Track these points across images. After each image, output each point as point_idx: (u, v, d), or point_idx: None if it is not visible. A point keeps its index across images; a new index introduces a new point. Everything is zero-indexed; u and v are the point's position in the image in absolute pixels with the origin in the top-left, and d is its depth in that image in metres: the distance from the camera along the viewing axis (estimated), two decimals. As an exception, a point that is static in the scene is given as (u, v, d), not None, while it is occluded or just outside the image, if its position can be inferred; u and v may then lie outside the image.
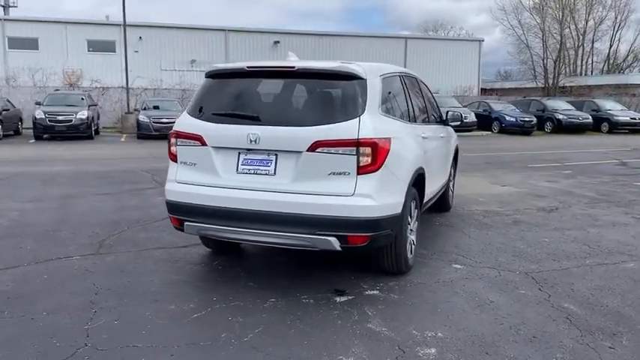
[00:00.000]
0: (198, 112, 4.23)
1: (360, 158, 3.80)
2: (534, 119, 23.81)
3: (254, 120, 3.99)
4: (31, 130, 18.53)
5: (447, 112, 6.57)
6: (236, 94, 4.21)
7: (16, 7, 52.37)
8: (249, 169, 4.00)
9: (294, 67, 4.07)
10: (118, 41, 36.83)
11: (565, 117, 24.65)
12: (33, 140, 18.27)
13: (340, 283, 4.41)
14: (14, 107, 20.87)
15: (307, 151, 3.82)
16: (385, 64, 4.98)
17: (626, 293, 4.27)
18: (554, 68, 42.54)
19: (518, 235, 6.00)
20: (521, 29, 44.83)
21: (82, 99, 20.03)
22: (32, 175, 10.12)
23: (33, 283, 4.34)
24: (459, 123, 6.63)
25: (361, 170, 3.82)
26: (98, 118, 21.13)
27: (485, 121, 24.26)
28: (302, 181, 3.87)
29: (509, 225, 6.50)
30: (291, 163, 3.89)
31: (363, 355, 3.21)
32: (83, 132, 18.37)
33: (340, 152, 3.80)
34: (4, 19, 35.39)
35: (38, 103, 19.38)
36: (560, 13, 42.72)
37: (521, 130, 23.40)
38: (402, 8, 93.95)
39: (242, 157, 4.02)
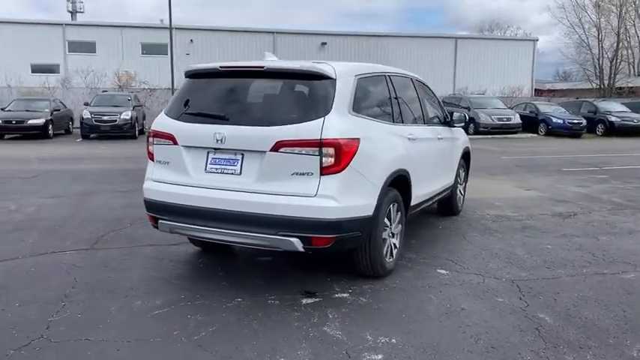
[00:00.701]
0: (174, 112, 4.30)
1: (323, 159, 3.75)
2: (584, 121, 22.82)
3: (222, 119, 4.02)
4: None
5: (452, 113, 6.40)
6: (208, 94, 4.24)
7: (82, 12, 54.96)
8: (216, 169, 4.02)
9: (263, 67, 4.07)
10: (169, 44, 38.02)
11: (618, 119, 23.50)
12: (80, 139, 19.06)
13: (314, 284, 4.38)
14: (65, 108, 21.86)
15: (271, 150, 3.81)
16: (369, 64, 4.91)
17: (612, 305, 4.03)
18: (610, 68, 40.64)
19: (520, 242, 5.77)
20: (582, 27, 43.00)
21: (128, 100, 20.72)
22: (65, 173, 10.55)
23: (20, 275, 4.52)
24: (463, 124, 6.45)
25: (324, 171, 3.77)
26: (144, 119, 21.83)
27: (532, 123, 23.46)
28: (266, 181, 3.86)
29: (516, 230, 6.26)
30: (256, 163, 3.89)
31: (307, 358, 3.17)
32: (127, 132, 18.99)
33: (303, 152, 3.76)
34: (65, 24, 37.07)
35: (87, 104, 20.19)
36: (619, 10, 40.71)
37: (569, 132, 22.49)
38: (462, 8, 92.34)
39: (210, 156, 4.05)
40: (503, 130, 22.16)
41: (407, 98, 5.29)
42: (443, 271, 4.76)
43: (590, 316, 3.82)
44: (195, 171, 4.09)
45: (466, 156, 7.16)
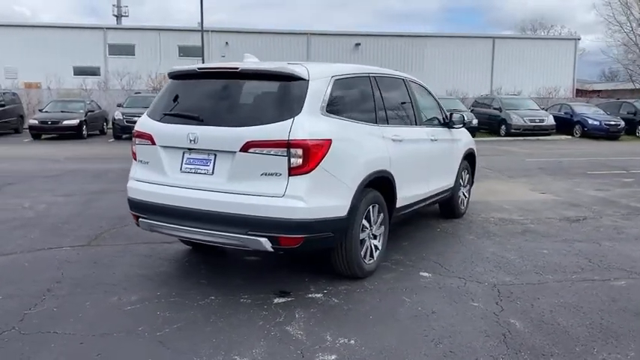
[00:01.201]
0: (154, 113, 4.40)
1: (291, 159, 3.78)
2: (622, 123, 22.03)
3: (196, 120, 4.09)
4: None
5: (451, 114, 6.31)
6: (186, 95, 4.33)
7: (127, 16, 56.61)
8: (191, 169, 4.10)
9: (237, 69, 4.12)
10: (206, 47, 38.67)
11: (659, 121, 22.60)
12: (112, 139, 19.62)
13: (292, 284, 4.40)
14: (100, 109, 22.53)
15: (240, 151, 3.86)
16: (352, 65, 4.91)
17: (591, 312, 3.91)
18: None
19: (516, 246, 5.65)
20: (629, 26, 41.39)
21: (160, 101, 21.13)
22: (87, 172, 10.90)
23: (13, 269, 4.72)
24: (461, 126, 6.36)
25: (293, 172, 3.79)
26: (175, 120, 22.13)
27: (567, 125, 22.80)
28: (236, 181, 3.92)
29: (516, 234, 6.13)
30: (227, 163, 3.95)
31: (259, 357, 3.20)
32: (157, 132, 19.37)
33: (272, 153, 3.80)
34: (107, 28, 38.18)
35: (119, 105, 20.76)
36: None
37: (605, 134, 21.75)
38: (506, 7, 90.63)
39: (186, 156, 4.13)
40: (536, 131, 21.62)
41: (395, 99, 5.26)
42: (426, 274, 4.71)
43: (563, 323, 3.72)
44: (172, 171, 4.18)
45: (470, 158, 7.05)
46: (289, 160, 3.78)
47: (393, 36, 39.82)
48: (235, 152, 3.88)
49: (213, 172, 4.01)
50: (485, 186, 9.58)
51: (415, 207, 5.44)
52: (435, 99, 6.32)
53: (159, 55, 37.26)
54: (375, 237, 4.68)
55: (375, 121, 4.71)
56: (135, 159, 4.50)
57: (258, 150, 3.82)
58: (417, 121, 5.54)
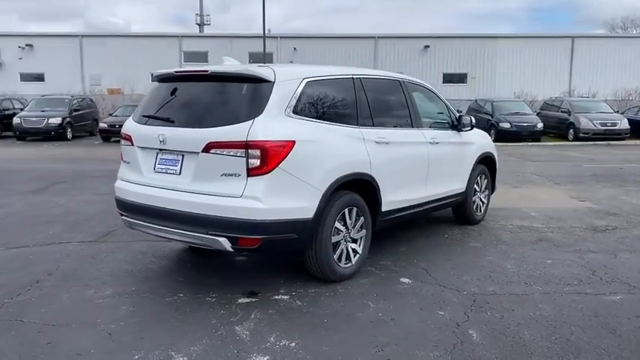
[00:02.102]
0: (136, 115, 4.58)
1: (250, 160, 3.81)
2: None
3: (167, 121, 4.23)
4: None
5: (460, 117, 6.10)
6: (164, 97, 4.46)
7: (208, 24, 58.98)
8: (162, 169, 4.24)
9: (207, 71, 4.21)
10: (275, 53, 39.57)
11: None
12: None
13: (266, 284, 4.43)
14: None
15: (202, 152, 3.94)
16: (331, 67, 4.87)
17: (562, 327, 3.67)
18: None
19: (520, 255, 5.37)
20: None
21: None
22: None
23: (17, 261, 5.06)
24: (469, 128, 6.12)
25: (251, 172, 3.83)
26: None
27: (645, 129, 21.28)
28: (199, 182, 4.00)
29: (526, 243, 5.82)
30: (192, 163, 4.04)
31: (194, 354, 3.26)
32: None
33: (232, 154, 3.85)
34: (182, 36, 39.88)
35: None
36: None
37: (687, 139, 20.10)
38: (595, 4, 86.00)
39: (159, 156, 4.27)
40: (607, 136, 20.31)
41: (386, 101, 5.16)
42: (406, 280, 4.59)
43: (526, 337, 3.51)
44: (147, 171, 4.34)
45: (487, 162, 6.77)
46: (247, 161, 3.82)
47: (463, 37, 38.85)
48: (198, 153, 3.97)
49: (180, 173, 4.12)
50: (523, 192, 9.16)
51: (409, 212, 5.30)
52: (443, 101, 6.14)
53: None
54: (354, 241, 4.62)
55: (356, 123, 4.65)
56: (122, 159, 4.70)
57: (218, 151, 3.89)
58: (413, 124, 5.40)
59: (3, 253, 5.31)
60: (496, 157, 6.98)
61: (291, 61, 38.99)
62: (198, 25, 57.56)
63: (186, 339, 3.45)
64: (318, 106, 4.38)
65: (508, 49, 37.83)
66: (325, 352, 3.30)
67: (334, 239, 4.37)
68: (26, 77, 37.70)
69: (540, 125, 20.43)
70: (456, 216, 6.65)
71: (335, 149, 4.32)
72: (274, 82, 4.04)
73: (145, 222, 4.32)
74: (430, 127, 5.78)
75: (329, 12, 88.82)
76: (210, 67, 4.26)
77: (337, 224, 4.38)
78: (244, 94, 4.06)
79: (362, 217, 4.63)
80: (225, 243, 3.89)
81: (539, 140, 20.57)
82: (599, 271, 4.88)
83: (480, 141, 6.57)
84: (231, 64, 4.59)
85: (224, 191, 3.89)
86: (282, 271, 4.76)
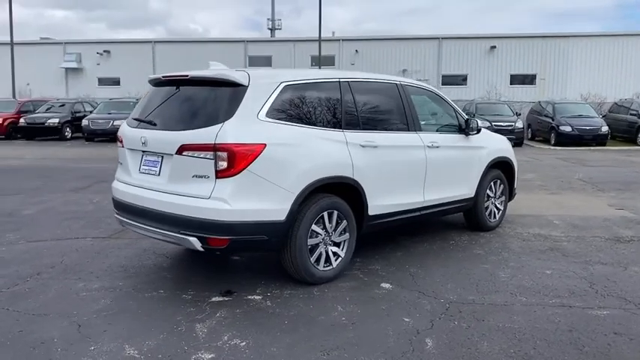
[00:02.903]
0: (129, 117, 4.81)
1: (218, 163, 3.92)
2: None
3: (150, 124, 4.41)
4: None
5: (467, 121, 5.93)
6: (152, 101, 4.65)
7: (280, 29, 60.20)
8: (145, 169, 4.42)
9: (187, 76, 4.36)
10: (337, 55, 39.75)
11: None
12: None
13: (245, 284, 4.53)
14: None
15: (176, 153, 4.09)
16: (315, 70, 4.89)
17: (528, 340, 3.52)
18: None
19: (520, 264, 5.17)
20: None
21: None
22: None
23: (31, 253, 5.42)
24: (475, 132, 5.94)
25: (219, 174, 3.93)
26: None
27: None
28: (174, 183, 4.15)
29: (534, 252, 5.59)
30: (169, 165, 4.20)
31: (145, 348, 3.39)
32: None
33: (202, 156, 3.98)
34: (247, 41, 40.89)
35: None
36: None
37: None
38: None
39: (143, 158, 4.47)
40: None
41: (377, 105, 5.12)
42: (386, 286, 4.54)
43: (484, 348, 3.40)
44: (135, 171, 4.54)
45: (503, 167, 6.53)
46: (216, 163, 3.92)
47: (532, 37, 37.40)
48: (173, 155, 4.12)
49: (159, 174, 4.30)
50: (558, 199, 8.76)
51: (403, 216, 5.23)
52: (451, 105, 5.99)
53: (293, 65, 39.00)
54: (337, 244, 4.62)
55: (341, 127, 4.65)
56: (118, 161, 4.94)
57: (190, 153, 4.02)
58: (410, 127, 5.31)
59: (21, 246, 5.71)
60: (514, 162, 6.72)
61: (352, 64, 39.09)
62: (270, 29, 58.75)
63: (145, 333, 3.59)
64: (296, 109, 4.42)
65: (581, 48, 36.12)
66: (271, 352, 3.34)
67: (311, 242, 4.39)
68: (103, 81, 39.95)
69: (605, 129, 19.37)
70: (467, 222, 6.48)
71: (311, 153, 4.34)
72: (248, 86, 4.13)
73: (132, 221, 4.52)
74: (433, 130, 5.67)
75: (401, 14, 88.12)
76: (192, 72, 4.40)
77: (314, 227, 4.40)
78: (218, 97, 4.18)
79: (344, 221, 4.62)
80: (195, 243, 4.01)
81: (604, 144, 19.50)
82: (598, 284, 4.61)
83: (492, 145, 6.36)
84: (214, 69, 4.71)
85: (195, 192, 4.02)
86: (268, 272, 4.83)
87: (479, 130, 5.96)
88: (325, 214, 4.46)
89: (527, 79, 37.53)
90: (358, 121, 4.82)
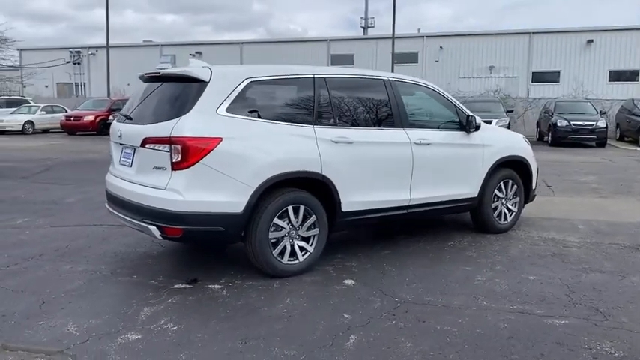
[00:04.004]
0: (119, 113, 5.13)
1: (173, 155, 4.11)
2: None
3: (127, 119, 4.69)
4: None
5: (468, 117, 5.70)
6: (135, 97, 4.94)
7: (372, 27, 60.36)
8: (122, 161, 4.71)
9: (159, 73, 4.59)
10: (420, 52, 39.13)
11: None
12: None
13: (213, 274, 4.68)
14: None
15: (140, 146, 4.33)
16: (288, 66, 4.90)
17: (453, 345, 3.39)
18: None
19: (507, 268, 4.94)
20: None
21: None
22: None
23: (48, 237, 5.93)
24: (474, 130, 5.70)
25: (175, 166, 4.12)
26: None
27: None
28: (139, 174, 4.40)
29: (533, 257, 5.29)
30: (138, 157, 4.46)
31: (85, 326, 3.64)
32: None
33: (160, 149, 4.19)
34: (330, 40, 41.31)
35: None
36: None
37: None
38: None
39: (122, 151, 4.76)
40: None
41: (358, 101, 5.08)
42: (349, 282, 4.53)
43: (404, 349, 3.33)
44: (117, 163, 4.85)
45: (515, 166, 6.21)
46: (171, 156, 4.11)
47: (634, 30, 34.63)
48: (138, 147, 4.37)
49: (131, 165, 4.56)
50: (601, 202, 8.19)
51: (386, 214, 5.15)
52: (451, 101, 5.79)
53: (375, 63, 38.88)
54: (305, 239, 4.66)
55: (311, 123, 4.68)
56: (111, 154, 5.29)
57: (151, 146, 4.25)
58: (397, 124, 5.21)
59: (43, 230, 6.26)
60: (530, 161, 6.36)
61: (437, 60, 38.32)
62: (363, 28, 58.94)
63: (95, 313, 3.85)
64: (260, 105, 4.51)
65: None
66: (194, 337, 3.47)
67: (273, 235, 4.47)
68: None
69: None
70: (473, 223, 6.24)
71: (272, 147, 4.41)
72: (208, 82, 4.28)
73: (114, 210, 4.84)
74: (426, 127, 5.53)
75: (504, 9, 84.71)
76: (164, 70, 4.63)
77: (277, 221, 4.46)
78: (182, 93, 4.37)
79: (313, 216, 4.65)
80: (155, 231, 4.23)
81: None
82: (578, 292, 4.31)
83: (501, 143, 6.06)
84: (192, 66, 4.88)
85: (154, 183, 4.24)
86: (242, 263, 4.94)
87: (477, 128, 5.70)
88: (290, 208, 4.51)
89: (629, 76, 34.91)
90: (333, 117, 4.82)
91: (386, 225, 6.48)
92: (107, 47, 28.69)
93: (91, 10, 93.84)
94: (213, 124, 4.20)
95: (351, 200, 4.83)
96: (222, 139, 4.17)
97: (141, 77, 4.99)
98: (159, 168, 4.21)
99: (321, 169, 4.60)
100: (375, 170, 5.00)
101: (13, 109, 26.38)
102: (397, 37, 40.32)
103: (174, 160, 4.11)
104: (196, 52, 42.17)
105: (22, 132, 24.38)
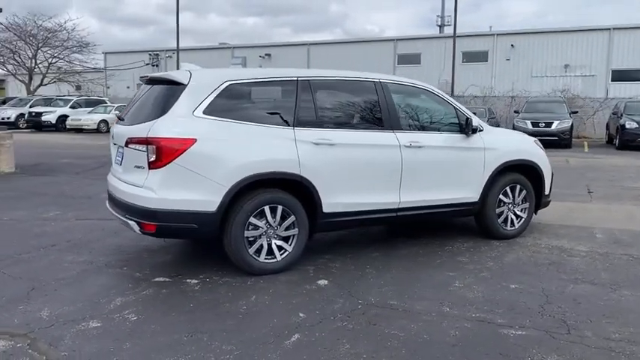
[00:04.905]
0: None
1: (149, 155, 4.33)
2: None
3: (121, 120, 4.98)
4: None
5: (467, 119, 5.56)
6: (132, 100, 5.22)
7: (449, 25, 59.34)
8: (116, 160, 5.01)
9: (147, 76, 4.84)
10: (490, 50, 37.94)
11: None
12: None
13: (196, 269, 4.87)
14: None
15: (125, 146, 4.60)
16: (272, 69, 5.01)
17: (389, 349, 3.38)
18: None
19: (492, 276, 4.81)
20: None
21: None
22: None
23: (68, 229, 6.37)
24: (471, 132, 5.54)
25: (151, 165, 4.35)
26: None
27: None
28: (125, 172, 4.67)
29: (528, 265, 5.11)
30: (124, 156, 4.73)
31: (57, 312, 3.92)
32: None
33: (139, 149, 4.43)
34: (397, 39, 40.90)
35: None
36: None
37: None
38: None
39: (117, 150, 5.05)
40: None
41: (343, 103, 5.12)
42: (322, 283, 4.59)
43: (341, 351, 3.36)
44: (113, 162, 5.16)
45: (524, 170, 5.99)
46: (148, 155, 4.34)
47: None
48: (123, 147, 4.63)
49: (121, 164, 4.84)
50: (636, 211, 7.68)
51: (372, 216, 5.15)
52: (451, 104, 5.67)
53: (443, 62, 38.11)
54: (285, 239, 4.75)
55: (291, 124, 4.75)
56: (116, 153, 5.62)
57: (132, 146, 4.50)
58: (386, 126, 5.18)
59: (67, 223, 6.73)
60: (541, 165, 6.10)
61: (508, 59, 37.04)
62: (439, 26, 58.03)
63: (71, 301, 4.13)
64: (238, 107, 4.64)
65: None
66: (148, 328, 3.66)
67: (250, 234, 4.59)
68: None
69: None
70: (478, 228, 6.07)
71: (248, 148, 4.53)
72: (186, 85, 4.47)
73: (109, 206, 5.14)
74: (419, 129, 5.46)
75: (590, 4, 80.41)
76: (153, 74, 4.87)
77: (254, 220, 4.59)
78: (163, 96, 4.59)
79: (292, 216, 4.73)
80: (134, 226, 4.48)
81: None
82: (554, 304, 4.13)
83: (506, 147, 5.86)
84: (194, 69, 5.06)
85: (135, 181, 4.49)
86: (230, 261, 5.09)
87: (474, 130, 5.55)
88: (267, 208, 4.62)
89: None
90: (316, 119, 4.88)
91: (387, 227, 6.45)
92: (177, 50, 29.99)
93: (180, 14, 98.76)
94: (188, 126, 4.39)
95: (334, 201, 4.87)
96: (196, 140, 4.35)
97: (141, 80, 5.27)
98: (139, 167, 4.45)
99: (300, 170, 4.67)
100: (360, 172, 5.01)
101: (91, 108, 28.17)
102: (466, 36, 39.46)
103: (150, 160, 4.33)
104: (265, 54, 43.15)
105: (97, 130, 25.98)
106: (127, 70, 42.14)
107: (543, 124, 18.90)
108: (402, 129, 5.28)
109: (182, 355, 3.28)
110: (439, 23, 58.55)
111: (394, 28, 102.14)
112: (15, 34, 31.03)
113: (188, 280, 4.61)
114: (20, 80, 35.00)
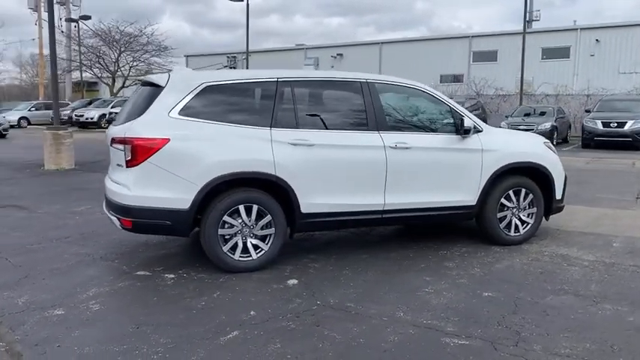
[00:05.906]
0: (120, 117, 5.74)
1: (126, 153, 4.56)
2: None
3: (115, 120, 5.26)
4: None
5: (462, 120, 5.36)
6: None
7: (538, 20, 56.96)
8: (110, 159, 5.28)
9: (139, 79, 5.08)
10: (573, 46, 35.98)
11: None
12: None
13: (178, 264, 5.06)
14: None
15: (110, 145, 4.86)
16: (253, 71, 5.05)
17: (322, 350, 3.38)
18: None
19: (468, 283, 4.63)
20: None
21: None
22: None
23: (86, 222, 6.80)
24: (464, 134, 5.33)
25: (128, 164, 4.57)
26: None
27: None
28: (111, 170, 4.94)
29: (517, 274, 4.88)
30: (110, 155, 4.99)
31: (34, 298, 4.22)
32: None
33: (118, 148, 4.67)
34: (472, 36, 39.72)
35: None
36: None
37: None
38: None
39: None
40: None
41: (324, 104, 5.11)
42: (291, 282, 4.62)
43: (269, 350, 3.40)
44: (110, 164, 5.44)
45: (530, 173, 5.69)
46: (125, 154, 4.57)
47: None
48: (109, 146, 4.90)
49: (110, 162, 5.11)
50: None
51: (354, 217, 5.11)
52: (447, 104, 5.48)
53: (517, 58, 36.57)
54: (261, 238, 4.83)
55: (269, 125, 4.81)
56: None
57: (115, 145, 4.75)
58: (371, 126, 5.10)
59: (91, 217, 7.15)
60: (550, 168, 5.76)
61: (592, 55, 34.97)
62: (527, 21, 55.70)
63: (54, 289, 4.43)
64: (215, 108, 4.75)
65: None
66: (104, 318, 3.88)
67: (224, 232, 4.71)
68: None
69: None
70: (480, 233, 5.84)
71: (222, 148, 4.64)
72: (164, 87, 4.66)
73: (104, 203, 5.44)
74: (408, 130, 5.33)
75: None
76: (146, 76, 5.11)
77: (227, 218, 4.69)
78: (144, 97, 4.81)
79: (268, 216, 4.79)
80: (116, 222, 4.73)
81: None
82: (519, 314, 3.94)
83: (507, 148, 5.59)
84: (176, 72, 5.24)
85: (116, 179, 4.75)
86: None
87: (467, 131, 5.33)
88: (241, 207, 4.71)
89: None
90: (295, 120, 4.90)
91: (399, 229, 6.37)
92: (247, 52, 30.81)
93: (267, 17, 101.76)
94: (162, 126, 4.56)
95: (312, 202, 4.88)
96: (169, 139, 4.51)
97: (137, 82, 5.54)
98: (119, 165, 4.70)
99: (275, 170, 4.72)
100: (341, 173, 4.98)
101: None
102: (546, 31, 37.77)
103: (127, 159, 4.55)
104: (337, 54, 43.35)
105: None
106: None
107: (615, 124, 17.72)
108: (388, 129, 5.19)
109: (118, 345, 3.44)
110: (528, 19, 56.15)
111: (482, 25, 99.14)
112: (101, 39, 33.22)
113: (166, 275, 4.79)
114: (105, 83, 37.45)
